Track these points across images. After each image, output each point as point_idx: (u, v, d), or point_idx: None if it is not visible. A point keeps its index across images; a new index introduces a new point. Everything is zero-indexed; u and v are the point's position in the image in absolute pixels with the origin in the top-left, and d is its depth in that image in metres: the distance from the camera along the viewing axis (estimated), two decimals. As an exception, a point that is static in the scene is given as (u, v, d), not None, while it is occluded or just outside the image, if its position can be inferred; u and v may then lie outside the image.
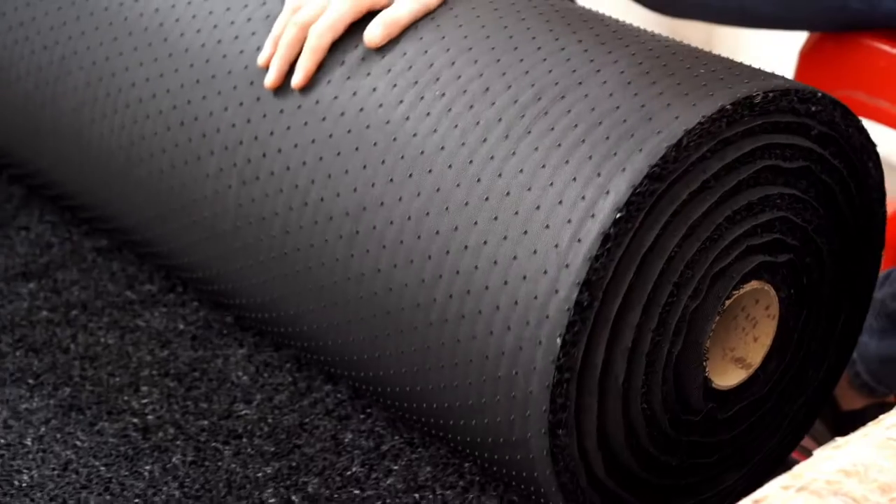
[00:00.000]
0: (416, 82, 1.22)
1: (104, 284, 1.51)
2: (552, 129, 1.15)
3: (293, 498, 1.27)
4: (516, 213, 1.13)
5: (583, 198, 1.11)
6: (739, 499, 0.96)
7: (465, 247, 1.15)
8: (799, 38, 1.77)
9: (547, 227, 1.11)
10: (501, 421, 1.16)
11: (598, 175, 1.11)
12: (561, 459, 1.16)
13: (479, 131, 1.17)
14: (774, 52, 1.54)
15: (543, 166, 1.13)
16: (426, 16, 1.27)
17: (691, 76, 1.16)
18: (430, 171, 1.18)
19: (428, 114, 1.20)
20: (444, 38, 1.24)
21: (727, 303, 1.19)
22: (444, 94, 1.20)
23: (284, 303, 1.30)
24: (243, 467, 1.29)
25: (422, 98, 1.21)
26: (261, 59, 1.29)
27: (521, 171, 1.14)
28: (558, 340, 1.10)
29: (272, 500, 1.26)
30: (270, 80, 1.28)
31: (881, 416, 1.01)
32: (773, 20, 1.70)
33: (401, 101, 1.22)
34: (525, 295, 1.12)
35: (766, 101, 1.15)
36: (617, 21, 1.28)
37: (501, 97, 1.18)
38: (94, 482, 1.27)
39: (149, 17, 1.38)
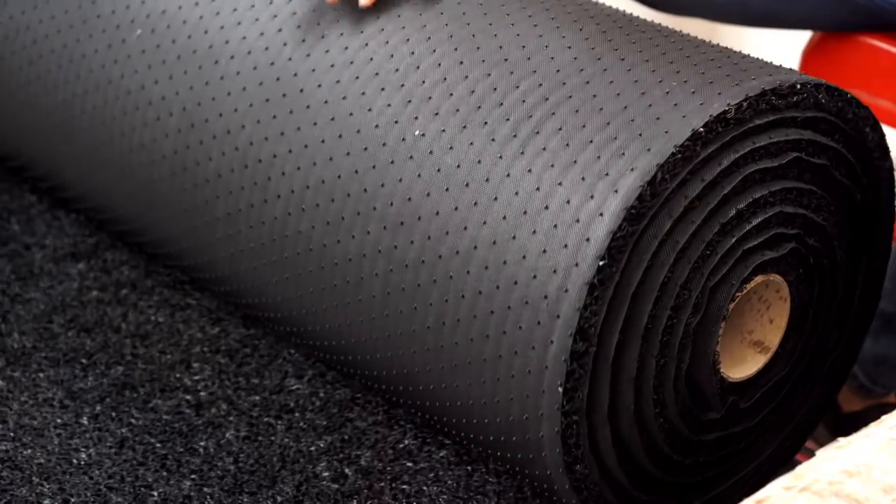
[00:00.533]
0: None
1: (153, 264, 1.53)
2: (529, 170, 1.14)
3: (346, 471, 1.28)
4: (504, 262, 1.13)
5: (565, 245, 1.11)
6: (751, 491, 0.96)
7: (462, 296, 1.16)
8: (802, 38, 1.75)
9: (535, 276, 1.12)
10: (522, 457, 1.19)
11: (578, 221, 1.11)
12: (584, 489, 1.18)
13: (460, 178, 1.17)
14: (777, 52, 1.52)
15: (525, 213, 1.13)
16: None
17: (663, 93, 1.14)
18: (419, 218, 1.18)
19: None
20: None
21: (731, 305, 1.19)
22: (420, 134, 1.21)
23: (304, 316, 1.31)
24: (296, 441, 1.31)
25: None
26: None
27: (505, 217, 1.14)
28: (559, 389, 1.12)
29: (325, 474, 1.28)
30: None
31: (883, 417, 1.02)
32: (773, 17, 1.68)
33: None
34: (523, 344, 1.13)
35: (740, 112, 1.13)
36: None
37: (458, 146, 1.17)
38: (150, 459, 1.29)
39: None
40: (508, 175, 1.15)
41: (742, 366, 1.25)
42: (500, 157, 1.15)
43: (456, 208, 1.16)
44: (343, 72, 1.25)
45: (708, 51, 1.20)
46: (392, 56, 1.24)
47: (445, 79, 1.21)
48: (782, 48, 1.88)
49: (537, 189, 1.13)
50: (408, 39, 1.25)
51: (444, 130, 1.19)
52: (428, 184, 1.18)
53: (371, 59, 1.25)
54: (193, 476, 1.27)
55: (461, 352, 1.17)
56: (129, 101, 1.37)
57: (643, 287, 1.13)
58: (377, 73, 1.24)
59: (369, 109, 1.22)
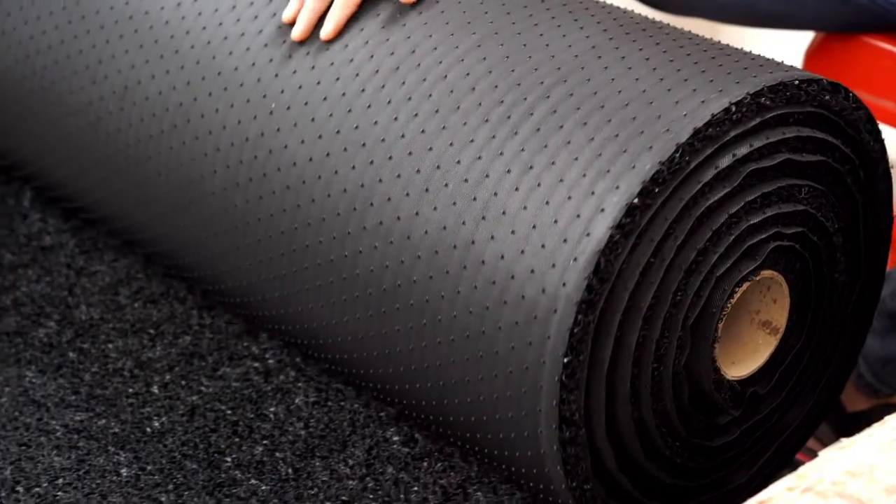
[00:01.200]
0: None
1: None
2: (493, 237, 1.12)
3: (416, 435, 1.29)
4: (483, 332, 1.13)
5: (535, 317, 1.10)
6: (757, 490, 0.96)
7: (453, 361, 1.16)
8: (804, 39, 1.74)
9: (513, 348, 1.11)
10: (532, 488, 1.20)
11: (544, 291, 1.09)
12: None
13: (429, 245, 1.16)
14: (780, 53, 1.50)
15: (494, 283, 1.12)
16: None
17: (612, 135, 1.11)
18: (399, 285, 1.17)
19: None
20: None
21: (721, 325, 1.17)
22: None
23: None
24: (366, 407, 1.32)
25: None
26: (286, 14, 1.28)
27: (476, 287, 1.13)
28: (561, 471, 1.12)
29: (396, 438, 1.29)
30: (298, 32, 1.27)
31: (886, 418, 1.01)
32: (777, 17, 1.67)
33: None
34: (516, 408, 1.13)
35: (699, 141, 1.10)
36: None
37: (423, 213, 1.16)
38: (221, 426, 1.30)
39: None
40: (473, 242, 1.13)
41: (754, 354, 1.23)
42: (464, 222, 1.14)
43: (431, 277, 1.16)
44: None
45: (659, 66, 1.15)
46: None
47: (409, 98, 1.20)
48: (785, 49, 1.87)
49: (502, 257, 1.12)
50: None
51: (407, 194, 1.17)
52: (398, 250, 1.17)
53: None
54: (265, 441, 1.28)
55: (461, 393, 1.18)
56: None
57: (617, 356, 1.13)
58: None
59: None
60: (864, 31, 1.65)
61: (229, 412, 1.32)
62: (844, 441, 0.98)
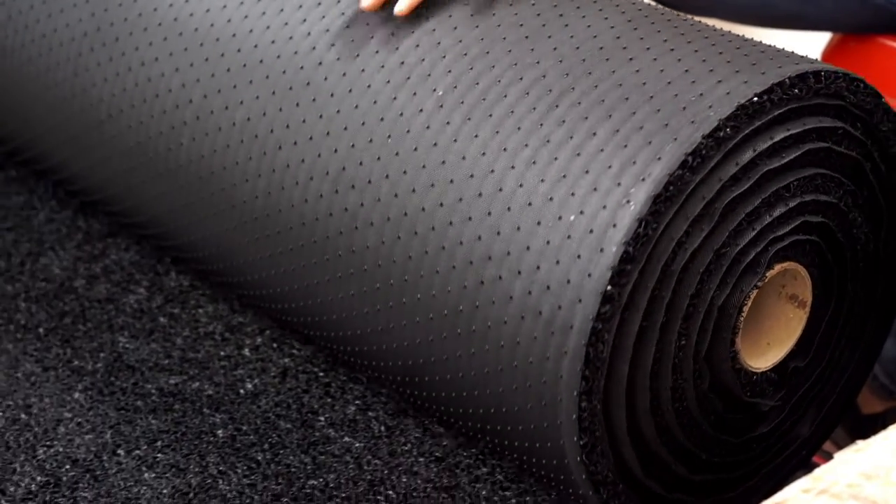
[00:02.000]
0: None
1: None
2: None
3: (506, 392, 1.30)
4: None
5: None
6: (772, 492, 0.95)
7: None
8: (821, 41, 1.72)
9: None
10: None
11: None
12: None
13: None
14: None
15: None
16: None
17: (600, 193, 1.08)
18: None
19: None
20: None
21: (738, 338, 1.15)
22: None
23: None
24: (455, 365, 1.33)
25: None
26: None
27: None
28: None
29: (486, 395, 1.30)
30: (369, 1, 1.24)
31: None
32: (793, 18, 1.64)
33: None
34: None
35: (662, 203, 1.07)
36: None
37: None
38: (313, 387, 1.31)
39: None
40: (477, 306, 1.13)
41: (788, 329, 1.22)
42: (465, 286, 1.14)
43: (445, 337, 1.16)
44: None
45: (650, 79, 1.13)
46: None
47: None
48: (801, 50, 1.85)
49: (505, 322, 1.11)
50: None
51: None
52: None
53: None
54: (357, 402, 1.30)
55: (498, 444, 1.19)
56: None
57: (634, 418, 1.12)
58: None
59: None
60: (880, 32, 1.63)
61: (321, 374, 1.33)
62: (860, 443, 0.98)
